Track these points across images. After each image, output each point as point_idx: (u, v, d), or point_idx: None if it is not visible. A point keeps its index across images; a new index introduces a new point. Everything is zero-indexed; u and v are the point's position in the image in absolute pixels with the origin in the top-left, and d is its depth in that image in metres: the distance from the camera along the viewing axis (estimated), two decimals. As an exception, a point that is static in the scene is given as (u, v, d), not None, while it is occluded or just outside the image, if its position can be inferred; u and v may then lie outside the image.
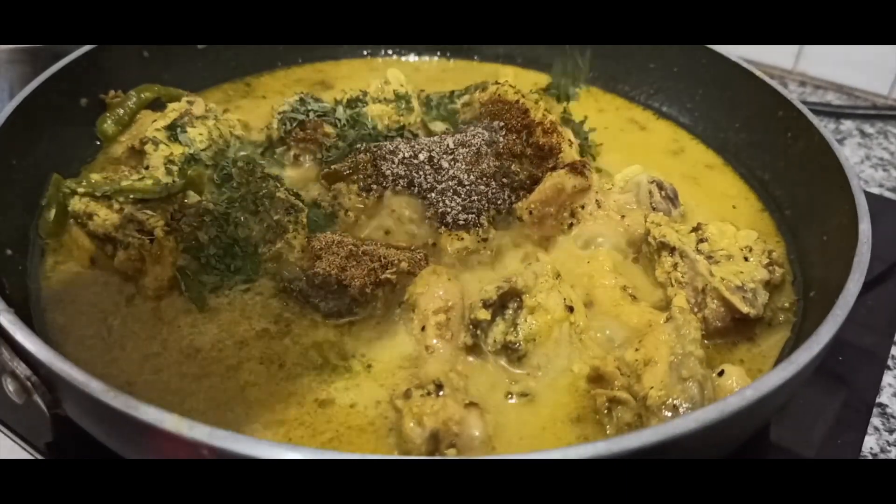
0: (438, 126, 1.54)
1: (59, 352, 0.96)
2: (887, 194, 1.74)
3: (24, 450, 1.02)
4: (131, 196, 1.16)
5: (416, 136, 1.40)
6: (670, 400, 0.93)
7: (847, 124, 2.00)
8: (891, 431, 1.17)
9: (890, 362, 1.28)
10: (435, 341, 1.03)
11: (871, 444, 1.15)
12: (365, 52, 1.84)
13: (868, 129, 1.99)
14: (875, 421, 1.18)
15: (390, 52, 1.85)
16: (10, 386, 0.86)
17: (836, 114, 2.02)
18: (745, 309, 1.06)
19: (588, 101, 1.71)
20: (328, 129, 1.41)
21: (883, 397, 1.23)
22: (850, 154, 1.89)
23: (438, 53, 1.85)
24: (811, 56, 2.13)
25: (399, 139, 1.35)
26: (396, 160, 1.28)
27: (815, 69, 2.14)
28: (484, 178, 1.27)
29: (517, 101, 1.40)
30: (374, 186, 1.27)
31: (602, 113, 1.67)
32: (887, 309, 1.35)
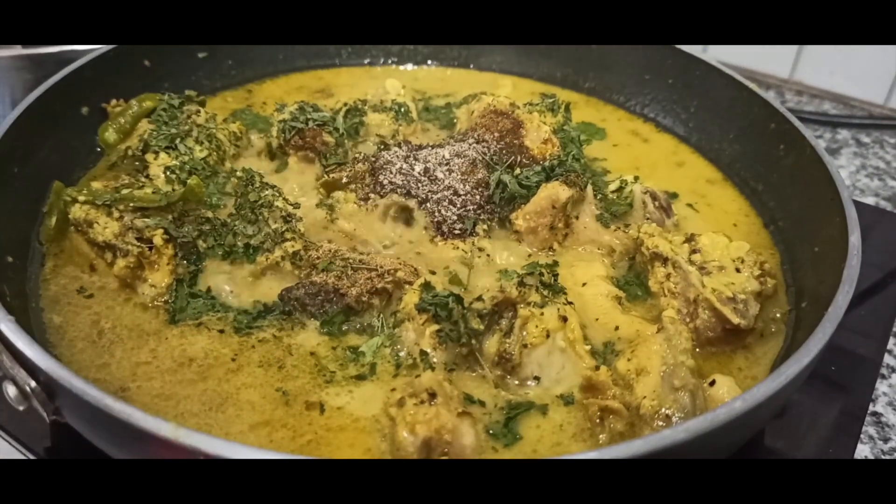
0: (436, 135, 1.55)
1: (54, 352, 0.98)
2: (882, 203, 1.75)
3: (25, 456, 1.03)
4: (131, 204, 1.17)
5: (413, 145, 1.41)
6: (663, 409, 0.94)
7: (843, 133, 2.01)
8: (885, 440, 1.18)
9: (884, 370, 1.29)
10: (429, 350, 1.05)
11: (865, 453, 1.15)
12: (365, 61, 1.86)
13: (864, 138, 2.00)
14: (869, 430, 1.19)
15: (390, 60, 1.87)
16: (10, 392, 0.87)
17: (833, 123, 2.03)
18: (735, 320, 1.07)
19: (589, 111, 1.73)
20: (327, 137, 1.43)
21: (877, 406, 1.23)
22: (845, 163, 1.90)
23: (437, 62, 1.87)
24: (808, 65, 2.14)
25: (396, 149, 1.37)
26: (394, 170, 1.30)
27: (811, 78, 2.16)
28: (479, 188, 1.29)
29: (511, 112, 1.42)
30: (372, 196, 1.29)
31: (604, 123, 1.69)
32: (882, 317, 1.36)
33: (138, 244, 1.14)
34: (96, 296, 1.15)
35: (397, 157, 1.33)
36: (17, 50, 1.62)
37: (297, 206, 1.27)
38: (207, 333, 1.10)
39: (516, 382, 1.04)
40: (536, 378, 1.04)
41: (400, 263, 1.16)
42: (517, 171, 1.31)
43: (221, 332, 1.10)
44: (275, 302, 1.14)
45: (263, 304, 1.15)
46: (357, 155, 1.39)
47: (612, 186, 1.37)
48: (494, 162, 1.32)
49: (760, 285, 1.12)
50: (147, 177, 1.31)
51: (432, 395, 0.92)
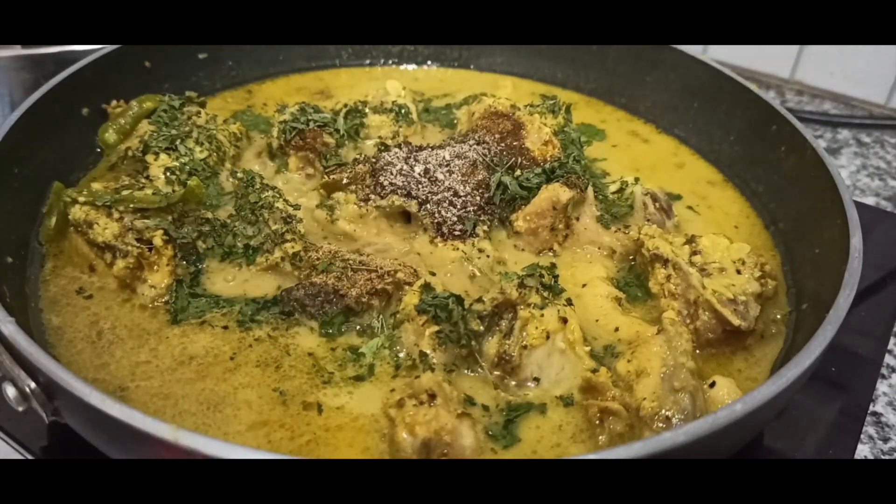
0: (436, 136, 1.55)
1: (53, 353, 0.98)
2: (883, 203, 1.75)
3: (23, 456, 1.03)
4: (131, 205, 1.17)
5: (413, 147, 1.41)
6: (663, 411, 0.94)
7: (844, 133, 2.01)
8: (885, 440, 1.18)
9: (884, 370, 1.29)
10: (429, 351, 1.05)
11: (865, 453, 1.15)
12: (366, 62, 1.86)
13: (865, 138, 2.00)
14: (869, 430, 1.19)
15: (390, 61, 1.87)
16: (9, 393, 0.87)
17: (833, 123, 2.03)
18: (736, 321, 1.07)
19: (589, 112, 1.73)
20: (327, 138, 1.43)
21: (877, 406, 1.23)
22: (846, 163, 1.90)
23: (437, 63, 1.87)
24: (808, 65, 2.14)
25: (397, 150, 1.37)
26: (394, 171, 1.30)
27: (812, 78, 2.15)
28: (479, 190, 1.29)
29: (512, 114, 1.42)
30: (372, 197, 1.29)
31: (604, 124, 1.69)
32: (882, 317, 1.36)
33: (138, 245, 1.14)
34: (96, 296, 1.15)
35: (397, 158, 1.33)
36: (17, 50, 1.62)
37: (297, 207, 1.27)
38: (210, 330, 1.10)
39: (515, 384, 1.04)
40: (536, 379, 1.04)
41: (400, 264, 1.16)
42: (518, 172, 1.31)
43: (225, 328, 1.10)
44: (275, 297, 1.14)
45: (265, 298, 1.15)
46: (357, 156, 1.39)
47: (613, 188, 1.37)
48: (495, 163, 1.32)
49: (761, 287, 1.12)
50: (147, 178, 1.30)
51: (432, 397, 0.92)
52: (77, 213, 1.18)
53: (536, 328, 1.03)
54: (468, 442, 0.90)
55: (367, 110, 1.50)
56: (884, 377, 1.28)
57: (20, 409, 0.88)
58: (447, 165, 1.30)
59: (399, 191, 1.28)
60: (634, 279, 1.23)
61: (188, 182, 1.25)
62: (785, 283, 1.26)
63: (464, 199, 1.27)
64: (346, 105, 1.50)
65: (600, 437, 0.97)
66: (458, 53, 1.86)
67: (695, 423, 0.78)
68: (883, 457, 1.15)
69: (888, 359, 1.31)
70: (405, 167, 1.30)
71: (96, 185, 1.22)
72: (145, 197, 1.19)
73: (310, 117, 1.44)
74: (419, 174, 1.29)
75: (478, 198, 1.28)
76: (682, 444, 0.76)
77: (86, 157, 1.43)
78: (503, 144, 1.38)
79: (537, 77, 1.83)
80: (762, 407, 0.82)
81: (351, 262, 1.14)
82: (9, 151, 1.19)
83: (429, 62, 1.87)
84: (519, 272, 1.13)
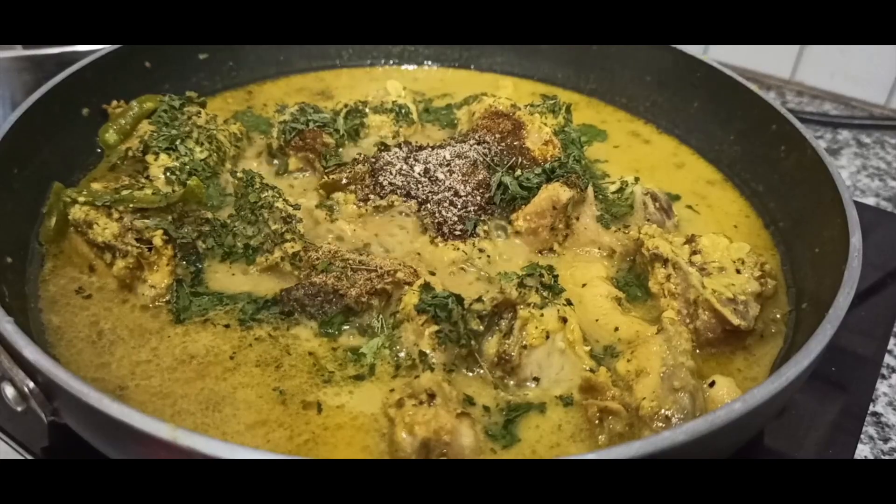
0: (436, 136, 1.55)
1: (52, 352, 0.98)
2: (883, 204, 1.75)
3: (23, 456, 1.03)
4: (131, 205, 1.18)
5: (413, 146, 1.41)
6: (662, 411, 0.94)
7: (844, 134, 2.01)
8: (885, 440, 1.18)
9: (884, 370, 1.29)
10: (428, 351, 1.05)
11: (865, 453, 1.15)
12: (366, 62, 1.86)
13: (865, 139, 2.00)
14: (869, 430, 1.19)
15: (391, 61, 1.87)
16: (8, 393, 0.87)
17: (833, 123, 2.03)
18: (735, 321, 1.07)
19: (590, 113, 1.73)
20: (327, 139, 1.43)
21: (878, 406, 1.23)
22: (846, 164, 1.90)
23: (438, 63, 1.87)
24: (808, 66, 2.14)
25: (396, 150, 1.37)
26: (394, 171, 1.30)
27: (812, 79, 2.15)
28: (480, 189, 1.29)
29: (512, 114, 1.42)
30: (372, 196, 1.29)
31: (605, 125, 1.69)
32: (882, 317, 1.36)
33: (138, 245, 1.14)
34: (95, 296, 1.15)
35: (397, 158, 1.33)
36: (18, 51, 1.62)
37: (297, 206, 1.27)
38: (212, 329, 1.10)
39: (515, 383, 1.04)
40: (536, 379, 1.04)
41: (399, 264, 1.16)
42: (518, 172, 1.31)
43: (227, 326, 1.10)
44: (274, 297, 1.14)
45: (265, 298, 1.15)
46: (357, 156, 1.39)
47: (613, 188, 1.37)
48: (495, 163, 1.33)
49: (761, 286, 1.12)
50: (147, 178, 1.31)
51: (431, 396, 0.92)
52: (77, 213, 1.18)
53: (536, 328, 1.03)
54: (467, 442, 0.90)
55: (367, 110, 1.50)
56: (884, 377, 1.28)
57: (19, 409, 0.88)
58: (447, 165, 1.30)
59: (398, 191, 1.28)
60: (634, 279, 1.23)
61: (188, 182, 1.25)
62: (785, 282, 1.26)
63: (464, 198, 1.28)
64: (346, 105, 1.50)
65: (600, 437, 0.97)
66: (458, 54, 1.86)
67: (694, 423, 0.78)
68: (883, 457, 1.15)
69: (888, 359, 1.31)
70: (405, 167, 1.31)
71: (96, 186, 1.23)
72: (145, 197, 1.19)
73: (309, 118, 1.44)
74: (419, 174, 1.30)
75: (478, 197, 1.28)
76: (682, 444, 0.76)
77: (86, 158, 1.43)
78: (503, 144, 1.38)
79: (537, 77, 1.83)
80: (761, 406, 0.82)
81: (350, 261, 1.14)
82: (9, 151, 1.19)
83: (429, 62, 1.87)
84: (518, 272, 1.13)
